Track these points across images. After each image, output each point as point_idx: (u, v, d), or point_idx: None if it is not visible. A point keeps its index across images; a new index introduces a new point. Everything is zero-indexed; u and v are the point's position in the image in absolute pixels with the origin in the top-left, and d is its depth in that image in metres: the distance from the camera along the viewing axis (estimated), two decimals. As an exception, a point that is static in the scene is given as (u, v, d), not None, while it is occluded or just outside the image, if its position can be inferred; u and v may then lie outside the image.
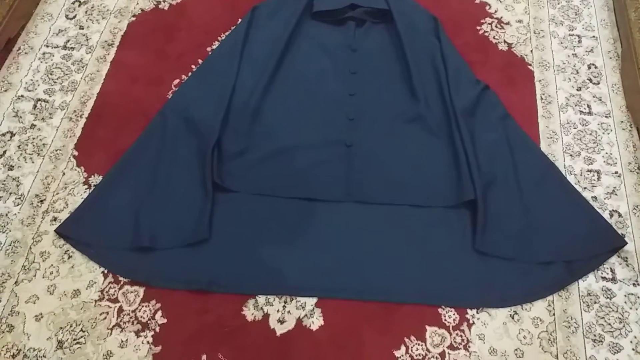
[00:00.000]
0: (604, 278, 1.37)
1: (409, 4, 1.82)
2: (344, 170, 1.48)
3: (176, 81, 1.66)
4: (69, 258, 1.35)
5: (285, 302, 1.31)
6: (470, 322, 1.29)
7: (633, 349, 1.27)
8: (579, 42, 1.82)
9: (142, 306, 1.29)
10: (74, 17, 1.79)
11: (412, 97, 1.60)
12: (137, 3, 1.84)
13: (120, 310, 1.29)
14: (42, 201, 1.43)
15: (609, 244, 1.40)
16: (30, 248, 1.36)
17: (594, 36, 1.84)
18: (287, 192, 1.44)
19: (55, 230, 1.37)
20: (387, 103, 1.61)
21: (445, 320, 1.29)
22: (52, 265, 1.34)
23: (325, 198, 1.44)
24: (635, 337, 1.28)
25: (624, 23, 1.78)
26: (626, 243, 1.40)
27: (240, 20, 1.78)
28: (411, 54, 1.65)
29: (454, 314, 1.30)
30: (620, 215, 1.47)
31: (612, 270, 1.38)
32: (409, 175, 1.47)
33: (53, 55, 1.70)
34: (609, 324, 1.30)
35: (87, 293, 1.30)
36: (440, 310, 1.31)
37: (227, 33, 1.76)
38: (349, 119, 1.57)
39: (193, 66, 1.69)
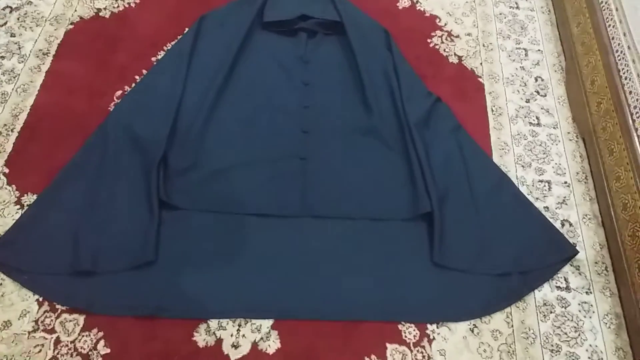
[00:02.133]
0: (558, 287, 1.38)
1: (360, 16, 1.81)
2: (298, 184, 1.43)
3: (118, 93, 1.57)
4: (-2, 286, 1.23)
5: (239, 325, 1.24)
6: (431, 337, 1.26)
7: (589, 357, 1.28)
8: (526, 55, 1.86)
9: (83, 336, 1.19)
10: (5, 23, 1.66)
11: (365, 109, 1.58)
12: (76, 10, 1.73)
13: (58, 341, 1.18)
14: (-33, 224, 1.30)
15: (562, 254, 1.42)
16: (-47, 276, 1.23)
17: (539, 50, 1.88)
18: (240, 208, 1.38)
19: (-18, 257, 1.25)
20: (341, 115, 1.58)
21: (405, 336, 1.26)
22: (-22, 295, 1.22)
23: (279, 213, 1.38)
24: (590, 345, 1.29)
25: (567, 37, 1.84)
26: (578, 252, 1.42)
27: (187, 29, 1.70)
28: (363, 66, 1.64)
29: (414, 330, 1.27)
30: (571, 225, 1.49)
31: (565, 279, 1.39)
32: (365, 188, 1.44)
33: (-19, 65, 1.57)
34: (565, 333, 1.31)
35: (20, 324, 1.19)
36: (400, 326, 1.27)
37: (173, 43, 1.69)
38: (303, 131, 1.53)
39: (137, 77, 1.60)
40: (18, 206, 1.34)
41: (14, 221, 1.30)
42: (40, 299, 1.22)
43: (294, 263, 1.31)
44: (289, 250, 1.33)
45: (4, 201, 1.34)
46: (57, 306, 1.21)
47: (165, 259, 1.28)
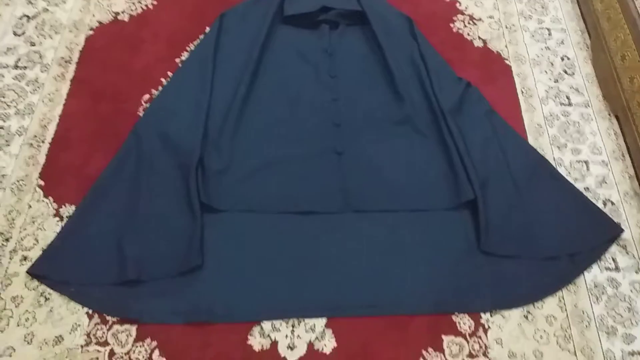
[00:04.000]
0: (607, 268, 1.36)
1: (382, 5, 1.78)
2: (337, 179, 1.41)
3: (146, 96, 1.54)
4: (45, 300, 1.20)
5: (293, 326, 1.22)
6: (486, 327, 1.25)
7: (645, 337, 1.26)
8: (549, 34, 1.83)
9: (137, 347, 1.16)
10: (23, 33, 1.62)
11: (396, 99, 1.56)
12: (94, 15, 1.69)
13: (112, 353, 1.16)
14: (7, 239, 1.27)
15: (608, 233, 1.40)
16: (0, 294, 1.21)
17: (562, 28, 1.86)
18: (281, 207, 1.36)
19: (27, 271, 1.22)
20: (371, 106, 1.55)
21: (460, 327, 1.24)
22: (27, 310, 1.19)
23: (321, 210, 1.36)
24: (644, 324, 1.28)
25: (590, 14, 1.81)
26: (623, 230, 1.40)
27: (208, 28, 1.67)
28: (390, 55, 1.61)
29: (468, 321, 1.25)
30: (613, 204, 1.47)
31: (614, 260, 1.37)
32: (405, 179, 1.42)
33: (3, 76, 1.53)
34: (619, 315, 1.29)
35: (72, 338, 1.16)
36: (454, 317, 1.26)
37: (195, 42, 1.66)
38: (335, 124, 1.50)
39: (162, 79, 1.57)
40: (57, 218, 1.31)
41: (56, 234, 1.27)
42: (90, 312, 1.20)
43: (341, 259, 1.29)
44: (334, 247, 1.31)
45: (43, 214, 1.31)
46: (108, 317, 1.19)
47: (211, 262, 1.26)
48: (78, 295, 1.21)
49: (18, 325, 1.17)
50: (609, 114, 1.65)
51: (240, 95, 1.49)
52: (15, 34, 1.62)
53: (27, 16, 1.66)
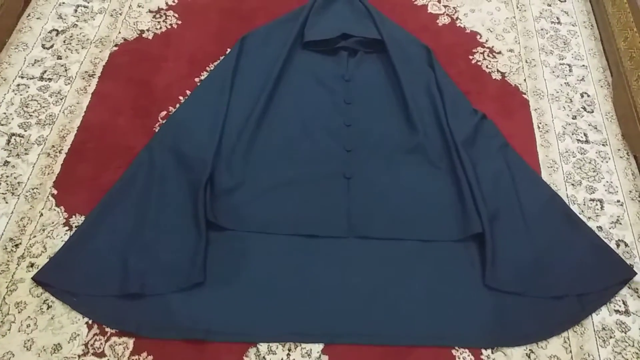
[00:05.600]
0: (617, 311, 1.32)
1: (401, 34, 1.79)
2: (344, 204, 1.41)
3: (163, 113, 1.57)
4: (48, 308, 1.22)
5: (289, 350, 1.21)
6: (487, 364, 1.22)
7: (654, 386, 1.22)
8: (570, 70, 1.82)
9: (132, 360, 1.17)
10: (52, 46, 1.69)
11: (410, 127, 1.56)
12: (120, 32, 1.75)
13: (108, 365, 1.16)
14: (17, 245, 1.30)
15: (619, 275, 1.36)
16: (4, 298, 1.23)
17: (583, 65, 1.84)
18: (286, 228, 1.36)
19: (32, 278, 1.24)
20: (384, 133, 1.56)
21: (460, 362, 1.22)
22: (29, 317, 1.21)
23: (326, 234, 1.36)
24: (654, 373, 1.23)
25: (613, 52, 1.80)
26: (636, 274, 1.36)
27: (229, 50, 1.71)
28: (406, 84, 1.62)
29: (468, 356, 1.23)
30: (626, 245, 1.43)
31: (624, 303, 1.33)
32: (413, 208, 1.41)
33: (28, 87, 1.59)
34: (627, 360, 1.25)
35: (70, 347, 1.17)
36: (453, 351, 1.23)
37: (215, 63, 1.69)
38: (347, 150, 1.51)
39: (181, 97, 1.61)
40: (67, 227, 1.34)
41: (63, 243, 1.30)
42: (90, 322, 1.21)
43: (342, 285, 1.29)
44: (336, 272, 1.31)
45: (53, 222, 1.34)
46: (107, 329, 1.20)
47: (214, 280, 1.26)
48: (80, 305, 1.22)
49: (19, 331, 1.19)
50: (628, 154, 1.62)
51: (255, 116, 1.52)
52: (44, 46, 1.69)
53: (57, 30, 1.73)
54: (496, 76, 1.77)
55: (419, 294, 1.28)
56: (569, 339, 1.27)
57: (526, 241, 1.37)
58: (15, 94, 1.57)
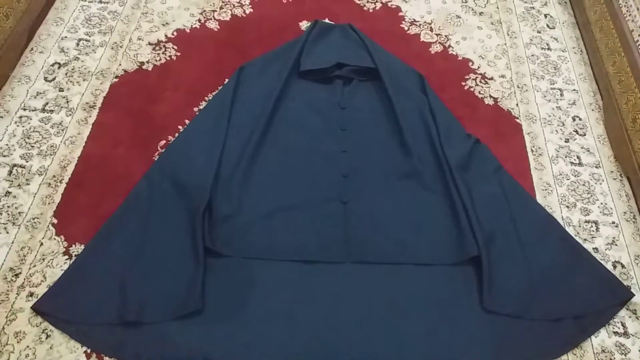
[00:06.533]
0: (616, 333, 1.32)
1: (394, 62, 1.83)
2: (341, 229, 1.42)
3: (162, 143, 1.60)
4: (47, 338, 1.22)
5: (288, 377, 1.20)
6: (486, 387, 1.21)
7: (655, 409, 1.21)
8: (561, 95, 1.86)
9: (131, 389, 1.17)
10: (54, 79, 1.73)
11: (404, 153, 1.58)
12: (120, 64, 1.79)
13: (106, 394, 1.16)
14: (17, 275, 1.31)
15: (617, 297, 1.37)
16: (4, 328, 1.23)
17: (574, 89, 1.88)
18: (284, 254, 1.37)
19: (31, 307, 1.25)
20: (379, 159, 1.58)
21: (459, 387, 1.21)
22: (27, 346, 1.21)
23: (323, 259, 1.37)
24: (655, 395, 1.23)
25: (603, 76, 1.84)
26: (634, 295, 1.37)
27: (227, 80, 1.75)
28: (400, 110, 1.65)
29: (468, 380, 1.22)
30: (623, 267, 1.44)
31: (623, 325, 1.34)
32: (409, 232, 1.43)
33: (31, 119, 1.62)
34: (628, 383, 1.24)
35: (68, 377, 1.18)
36: (452, 376, 1.22)
37: (213, 93, 1.73)
38: (343, 175, 1.53)
39: (180, 127, 1.64)
40: (66, 257, 1.35)
41: (62, 272, 1.31)
42: (89, 351, 1.21)
43: (340, 311, 1.29)
44: (333, 298, 1.31)
45: (53, 252, 1.35)
46: (106, 358, 1.20)
47: (211, 307, 1.27)
48: (78, 334, 1.22)
49: (18, 361, 1.19)
50: (621, 175, 1.64)
51: (252, 144, 1.54)
52: (46, 79, 1.72)
53: (59, 63, 1.77)
54: (489, 101, 1.81)
55: (417, 318, 1.29)
56: (568, 362, 1.26)
57: (523, 264, 1.38)
58: (18, 126, 1.60)
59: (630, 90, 1.66)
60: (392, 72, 1.77)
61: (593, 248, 1.47)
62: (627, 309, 1.36)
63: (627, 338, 1.31)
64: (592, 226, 1.52)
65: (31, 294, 1.28)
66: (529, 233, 1.44)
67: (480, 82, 1.87)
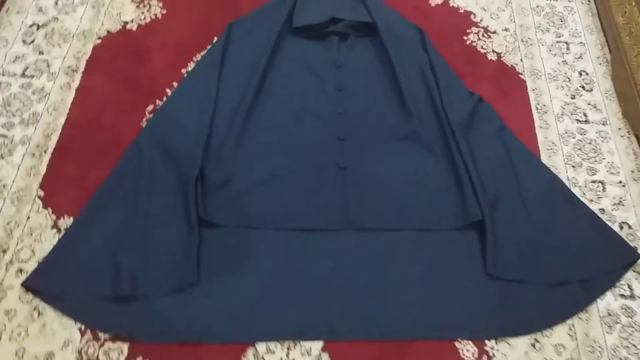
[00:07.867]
0: (622, 295, 1.29)
1: (393, 16, 1.74)
2: (339, 196, 1.37)
3: (150, 107, 1.52)
4: (39, 315, 1.19)
5: (288, 349, 1.18)
6: (490, 354, 1.19)
7: (661, 371, 1.20)
8: (567, 49, 1.77)
9: (127, 365, 1.14)
10: (32, 41, 1.63)
11: (404, 113, 1.51)
12: (102, 24, 1.69)
13: (102, 371, 1.14)
14: (4, 251, 1.26)
15: (623, 259, 1.33)
16: (-7, 306, 1.20)
17: (581, 42, 1.79)
18: (280, 223, 1.33)
19: (22, 284, 1.21)
20: (378, 120, 1.51)
21: (463, 354, 1.19)
22: (19, 324, 1.17)
23: (321, 227, 1.32)
24: (661, 357, 1.21)
25: (611, 28, 1.75)
26: (640, 256, 1.33)
27: (215, 38, 1.65)
28: (399, 68, 1.57)
29: (472, 347, 1.20)
30: (630, 227, 1.40)
31: (629, 287, 1.31)
32: (410, 197, 1.38)
33: (10, 85, 1.53)
34: (634, 345, 1.22)
35: (63, 355, 1.14)
36: (456, 343, 1.20)
37: (202, 53, 1.64)
38: (340, 139, 1.47)
39: (168, 90, 1.56)
40: (55, 230, 1.30)
41: (52, 246, 1.26)
42: (83, 328, 1.18)
43: (340, 280, 1.25)
44: (333, 267, 1.27)
45: (41, 225, 1.30)
46: (100, 334, 1.17)
47: (208, 280, 1.23)
48: (71, 311, 1.19)
49: (10, 340, 1.15)
50: (628, 133, 1.58)
51: (245, 107, 1.47)
52: (24, 42, 1.63)
53: (37, 24, 1.67)
54: (492, 57, 1.73)
55: (419, 286, 1.25)
56: (574, 326, 1.24)
57: (527, 227, 1.34)
58: (-4, 93, 1.52)
59: (640, 42, 1.58)
60: (391, 27, 1.67)
61: (599, 209, 1.42)
62: (634, 271, 1.33)
63: (634, 300, 1.29)
64: (598, 186, 1.47)
65: (20, 271, 1.24)
66: (533, 195, 1.39)
67: (483, 36, 1.78)
